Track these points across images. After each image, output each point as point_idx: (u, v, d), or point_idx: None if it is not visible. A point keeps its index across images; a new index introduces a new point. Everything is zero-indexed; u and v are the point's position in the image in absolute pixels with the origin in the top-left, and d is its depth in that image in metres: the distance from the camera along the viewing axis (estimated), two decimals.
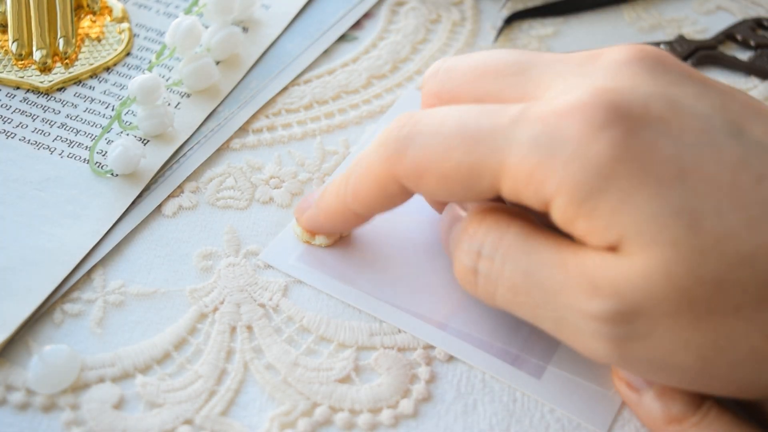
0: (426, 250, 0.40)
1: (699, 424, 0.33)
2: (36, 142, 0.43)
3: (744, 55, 0.50)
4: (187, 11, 0.47)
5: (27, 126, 0.44)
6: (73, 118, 0.44)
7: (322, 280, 0.39)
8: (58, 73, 0.46)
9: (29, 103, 0.45)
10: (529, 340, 0.37)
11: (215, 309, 0.38)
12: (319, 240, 0.39)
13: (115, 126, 0.44)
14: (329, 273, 0.39)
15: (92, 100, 0.45)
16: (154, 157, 0.43)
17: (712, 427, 0.32)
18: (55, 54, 0.47)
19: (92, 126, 0.44)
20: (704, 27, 0.52)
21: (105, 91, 0.46)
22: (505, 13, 0.52)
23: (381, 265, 0.39)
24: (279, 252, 0.40)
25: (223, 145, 0.44)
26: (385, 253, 0.40)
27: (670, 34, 0.51)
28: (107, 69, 0.47)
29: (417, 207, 0.41)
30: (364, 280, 0.39)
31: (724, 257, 0.28)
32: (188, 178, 0.43)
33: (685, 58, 0.49)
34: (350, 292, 0.38)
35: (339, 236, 0.40)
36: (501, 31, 0.50)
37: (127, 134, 0.44)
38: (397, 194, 0.34)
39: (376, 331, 0.37)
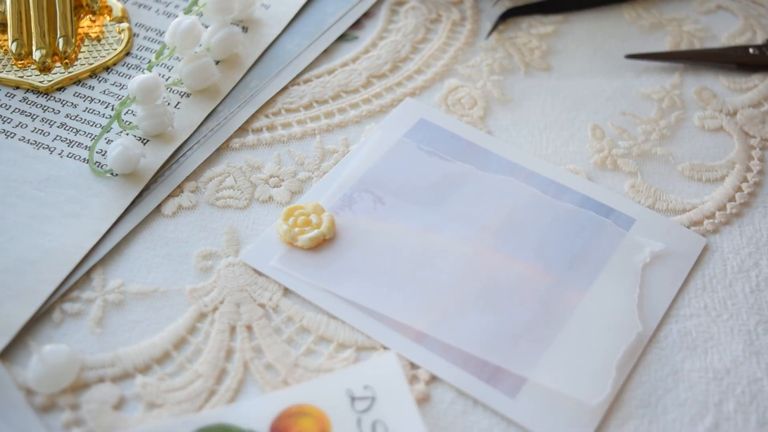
0: (410, 260, 0.39)
1: None
2: (36, 141, 0.43)
3: None
4: (187, 11, 0.47)
5: (27, 126, 0.44)
6: (73, 117, 0.44)
7: (301, 284, 0.38)
8: (58, 73, 0.46)
9: (29, 102, 0.45)
10: (510, 351, 0.36)
11: (215, 309, 0.38)
12: (302, 241, 0.39)
13: (115, 126, 0.44)
14: (310, 276, 0.39)
15: (92, 99, 0.45)
16: (153, 157, 0.43)
17: None
18: (55, 54, 0.47)
19: (92, 126, 0.44)
20: (705, 26, 0.52)
21: (104, 91, 0.46)
22: (500, 9, 0.51)
23: (363, 271, 0.39)
24: (260, 252, 0.40)
25: (222, 144, 0.44)
26: (369, 259, 0.39)
27: (670, 33, 0.51)
28: (107, 69, 0.47)
29: (404, 215, 0.41)
30: (345, 286, 0.38)
31: None
32: (188, 178, 0.43)
33: None
34: (330, 299, 0.38)
35: (322, 239, 0.40)
36: (495, 27, 0.50)
37: (127, 134, 0.44)
38: None
39: (351, 323, 0.37)
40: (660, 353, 0.37)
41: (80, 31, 0.48)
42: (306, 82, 0.47)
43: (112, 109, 0.45)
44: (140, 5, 0.51)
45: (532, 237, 0.40)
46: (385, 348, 0.37)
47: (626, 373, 0.36)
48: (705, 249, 0.41)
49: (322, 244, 0.40)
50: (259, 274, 0.39)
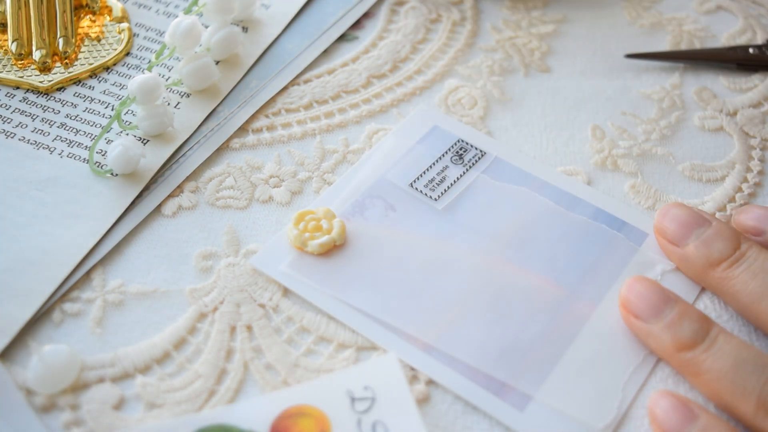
0: (420, 269, 0.39)
1: (710, 349, 0.35)
2: (36, 141, 0.43)
3: None
4: (187, 11, 0.47)
5: (27, 126, 0.44)
6: (73, 117, 0.44)
7: (311, 290, 0.38)
8: (58, 73, 0.46)
9: (29, 102, 0.45)
10: (517, 369, 0.36)
11: (215, 309, 0.38)
12: (312, 247, 0.39)
13: (115, 126, 0.44)
14: (319, 283, 0.38)
15: (92, 99, 0.45)
16: (153, 157, 0.43)
17: (722, 350, 0.34)
18: (55, 54, 0.47)
19: (92, 126, 0.44)
20: (705, 26, 0.52)
21: (105, 91, 0.46)
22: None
23: (373, 279, 0.39)
24: (270, 257, 0.39)
25: (222, 144, 0.44)
26: (378, 267, 0.39)
27: (670, 33, 0.51)
28: (107, 69, 0.47)
29: (415, 223, 0.41)
30: (354, 294, 0.38)
31: None
32: (188, 178, 0.43)
33: None
34: (338, 306, 0.38)
35: (333, 245, 0.40)
36: None
37: (127, 134, 0.44)
38: None
39: (360, 331, 0.37)
40: None
41: (80, 31, 0.48)
42: (306, 82, 0.47)
43: (112, 109, 0.45)
44: (140, 5, 0.51)
45: (544, 249, 0.40)
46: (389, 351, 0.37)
47: (633, 394, 0.36)
48: None
49: (333, 250, 0.40)
50: (260, 274, 0.39)
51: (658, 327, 0.36)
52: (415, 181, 0.42)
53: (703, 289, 0.39)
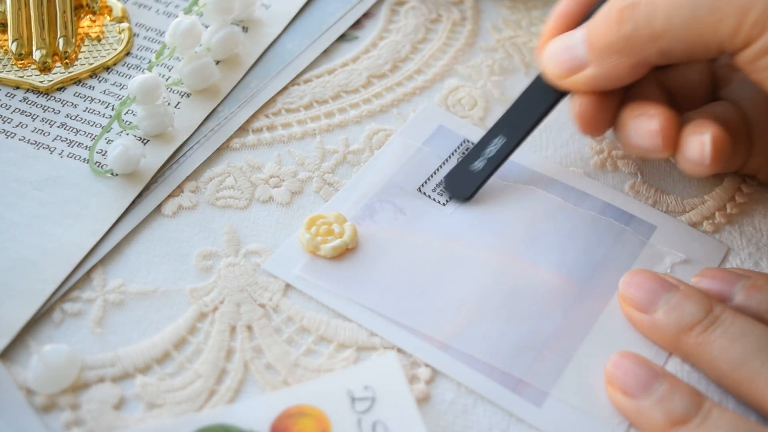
0: (433, 270, 0.39)
1: (703, 425, 0.33)
2: (36, 141, 0.43)
3: None
4: (187, 11, 0.47)
5: (27, 126, 0.44)
6: (73, 117, 0.44)
7: (325, 293, 0.38)
8: (58, 73, 0.46)
9: (29, 102, 0.45)
10: (532, 365, 0.36)
11: (215, 308, 0.38)
12: (325, 251, 0.39)
13: (115, 125, 0.44)
14: (333, 286, 0.39)
15: (92, 99, 0.45)
16: (154, 157, 0.43)
17: (717, 425, 0.33)
18: (55, 54, 0.47)
19: (92, 126, 0.44)
20: None
21: (105, 91, 0.46)
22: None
23: (386, 280, 0.39)
24: (283, 261, 0.39)
25: (222, 144, 0.44)
26: (391, 269, 0.39)
27: None
28: (107, 69, 0.47)
29: (425, 225, 0.41)
30: (368, 295, 0.38)
31: None
32: (188, 178, 0.43)
33: None
34: (353, 308, 0.38)
35: (345, 248, 0.40)
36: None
37: (127, 134, 0.44)
38: None
39: (376, 331, 0.37)
40: None
41: (80, 31, 0.48)
42: (306, 82, 0.47)
43: (112, 109, 0.45)
44: (140, 5, 0.51)
45: (554, 245, 0.40)
46: (402, 351, 0.37)
47: None
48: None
49: (345, 253, 0.40)
50: (259, 274, 0.39)
51: (648, 402, 0.34)
52: (422, 186, 0.42)
53: (670, 355, 0.37)
